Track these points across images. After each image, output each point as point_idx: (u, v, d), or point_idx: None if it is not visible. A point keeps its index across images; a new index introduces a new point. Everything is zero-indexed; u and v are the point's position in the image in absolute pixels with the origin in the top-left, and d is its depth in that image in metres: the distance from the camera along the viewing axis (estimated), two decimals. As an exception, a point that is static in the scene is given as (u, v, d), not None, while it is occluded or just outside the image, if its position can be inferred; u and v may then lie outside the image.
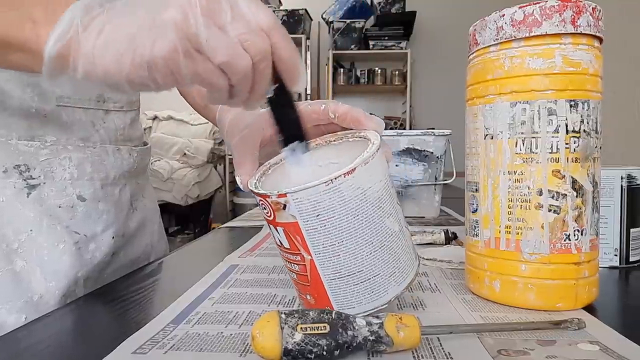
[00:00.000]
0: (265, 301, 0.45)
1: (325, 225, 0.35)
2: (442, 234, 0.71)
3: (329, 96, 3.76)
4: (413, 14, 3.72)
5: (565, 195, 0.40)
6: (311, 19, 3.88)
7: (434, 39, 3.94)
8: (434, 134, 0.96)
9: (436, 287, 0.48)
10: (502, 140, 0.41)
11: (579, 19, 0.39)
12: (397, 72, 3.87)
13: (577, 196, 0.40)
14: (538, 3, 0.39)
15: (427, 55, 3.92)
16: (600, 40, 0.41)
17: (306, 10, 3.71)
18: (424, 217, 0.99)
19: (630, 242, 0.56)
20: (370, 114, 0.43)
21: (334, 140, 0.44)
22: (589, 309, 0.41)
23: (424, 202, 0.99)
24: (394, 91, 3.98)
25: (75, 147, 0.58)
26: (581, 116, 0.40)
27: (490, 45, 0.42)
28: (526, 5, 0.39)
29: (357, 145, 0.41)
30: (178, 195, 3.22)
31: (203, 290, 0.48)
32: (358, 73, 3.92)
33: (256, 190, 0.38)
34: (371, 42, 3.73)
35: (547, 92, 0.39)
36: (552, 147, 0.40)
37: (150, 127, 3.38)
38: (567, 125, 0.39)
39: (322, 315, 0.31)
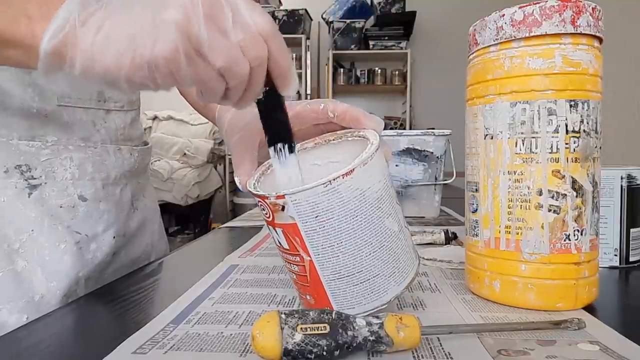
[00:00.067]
0: (265, 301, 0.45)
1: (324, 227, 0.35)
2: (442, 234, 0.71)
3: (329, 96, 3.76)
4: (413, 14, 3.72)
5: (565, 195, 0.40)
6: (311, 19, 3.88)
7: (434, 39, 3.94)
8: (434, 134, 0.96)
9: (436, 287, 0.48)
10: (502, 140, 0.41)
11: (578, 19, 0.39)
12: (397, 72, 3.87)
13: (577, 196, 0.40)
14: (538, 3, 0.39)
15: (427, 55, 3.92)
16: (600, 40, 0.41)
17: (306, 10, 3.71)
18: (424, 217, 0.99)
19: (630, 242, 0.56)
20: (370, 113, 0.43)
21: (333, 140, 0.44)
22: (589, 309, 0.41)
23: (424, 202, 0.99)
24: (394, 91, 3.98)
25: (76, 147, 0.58)
26: (581, 116, 0.40)
27: (490, 45, 0.42)
28: (526, 5, 0.39)
29: (357, 144, 0.41)
30: (178, 195, 3.22)
31: (203, 290, 0.48)
32: (358, 73, 3.92)
33: (254, 191, 0.38)
34: (371, 42, 3.73)
35: (547, 92, 0.39)
36: (552, 147, 0.40)
37: (150, 127, 3.38)
38: (567, 125, 0.39)
39: (322, 315, 0.31)
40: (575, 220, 0.40)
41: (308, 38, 3.84)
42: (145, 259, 0.70)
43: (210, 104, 0.62)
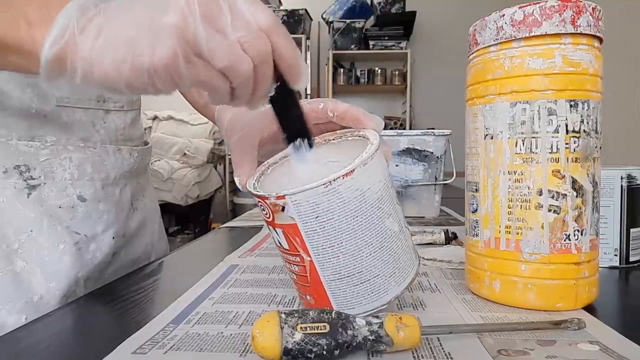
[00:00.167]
0: (265, 301, 0.44)
1: (324, 227, 0.35)
2: (442, 234, 0.71)
3: (329, 96, 3.76)
4: (413, 14, 3.72)
5: (565, 195, 0.40)
6: (311, 19, 3.88)
7: (434, 39, 3.94)
8: (434, 134, 0.96)
9: (436, 287, 0.48)
10: (502, 140, 0.41)
11: (579, 19, 0.39)
12: (397, 72, 3.87)
13: (577, 196, 0.40)
14: (538, 3, 0.39)
15: (427, 55, 3.92)
16: (600, 40, 0.41)
17: (306, 10, 3.71)
18: (424, 217, 0.99)
19: (630, 242, 0.56)
20: (370, 113, 0.43)
21: (333, 139, 0.44)
22: (589, 309, 0.41)
23: (424, 202, 0.99)
24: (394, 91, 3.98)
25: (76, 147, 0.58)
26: (581, 116, 0.40)
27: (490, 45, 0.42)
28: (526, 5, 0.39)
29: (357, 144, 0.40)
30: (178, 195, 3.22)
31: (203, 290, 0.48)
32: (358, 73, 3.92)
33: (254, 192, 0.38)
34: (371, 42, 3.73)
35: (547, 92, 0.39)
36: (552, 147, 0.40)
37: (150, 127, 3.38)
38: (567, 125, 0.39)
39: (322, 315, 0.31)
40: (575, 220, 0.40)
41: (308, 38, 3.84)
42: (146, 259, 0.70)
43: (209, 104, 0.62)
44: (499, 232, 0.42)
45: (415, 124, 3.88)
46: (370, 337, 0.31)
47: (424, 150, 0.97)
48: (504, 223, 0.41)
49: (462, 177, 0.49)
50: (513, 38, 0.40)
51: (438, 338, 0.35)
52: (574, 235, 0.40)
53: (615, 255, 0.56)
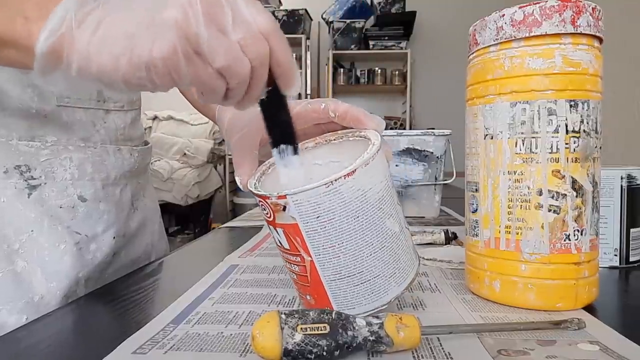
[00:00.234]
0: (265, 301, 0.45)
1: (325, 227, 0.35)
2: (442, 234, 0.71)
3: (329, 96, 3.75)
4: (413, 14, 3.72)
5: (565, 195, 0.40)
6: (311, 19, 3.88)
7: (434, 39, 3.94)
8: (434, 134, 0.96)
9: (436, 287, 0.48)
10: (502, 140, 0.41)
11: (578, 19, 0.39)
12: (397, 72, 3.87)
13: (577, 196, 0.40)
14: (538, 3, 0.39)
15: (427, 55, 3.92)
16: (600, 40, 0.41)
17: (306, 10, 3.71)
18: (424, 217, 0.99)
19: (630, 242, 0.56)
20: (371, 113, 0.43)
21: (334, 139, 0.44)
22: (589, 309, 0.41)
23: (424, 202, 0.99)
24: (394, 91, 3.98)
25: (76, 147, 0.58)
26: (581, 116, 0.40)
27: (490, 45, 0.42)
28: (526, 5, 0.39)
29: (358, 144, 0.40)
30: (178, 195, 3.22)
31: (203, 290, 0.48)
32: (358, 73, 3.92)
33: (255, 191, 0.38)
34: (371, 42, 3.73)
35: (547, 92, 0.39)
36: (552, 147, 0.40)
37: (150, 127, 3.38)
38: (567, 125, 0.39)
39: (322, 315, 0.31)
40: (575, 220, 0.40)
41: (308, 38, 3.84)
42: (146, 259, 0.70)
43: (203, 103, 0.62)
44: (499, 232, 0.42)
45: (415, 124, 3.88)
46: (371, 338, 0.31)
47: (424, 150, 0.97)
48: (504, 223, 0.41)
49: (462, 177, 0.49)
50: (513, 38, 0.40)
51: (438, 338, 0.35)
52: (574, 235, 0.40)
53: (615, 255, 0.56)
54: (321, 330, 0.30)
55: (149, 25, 0.30)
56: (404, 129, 3.73)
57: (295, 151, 0.38)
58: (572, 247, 0.40)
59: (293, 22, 3.66)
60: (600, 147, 0.42)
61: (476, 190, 0.44)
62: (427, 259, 0.58)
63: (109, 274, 0.62)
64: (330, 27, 3.80)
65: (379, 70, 3.86)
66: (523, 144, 0.40)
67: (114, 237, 0.62)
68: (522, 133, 0.40)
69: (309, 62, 3.92)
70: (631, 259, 0.56)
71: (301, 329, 0.30)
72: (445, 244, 0.70)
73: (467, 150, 0.46)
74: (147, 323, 0.39)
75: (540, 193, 0.40)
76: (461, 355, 0.32)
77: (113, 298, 0.48)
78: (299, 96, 3.27)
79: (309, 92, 3.92)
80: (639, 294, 0.50)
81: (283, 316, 0.31)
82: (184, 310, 0.42)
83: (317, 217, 0.35)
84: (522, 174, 0.40)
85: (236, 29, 0.31)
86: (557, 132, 0.39)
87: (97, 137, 0.60)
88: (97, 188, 0.60)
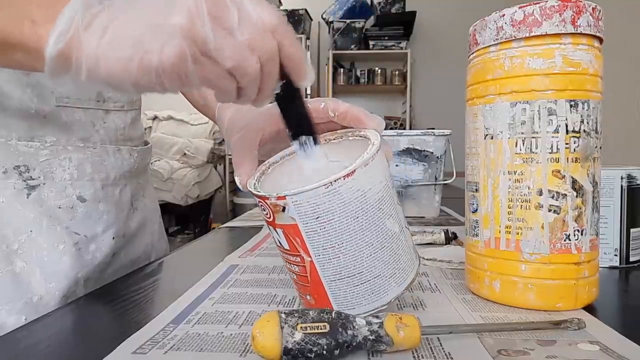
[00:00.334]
0: (265, 301, 0.44)
1: (325, 228, 0.35)
2: (442, 234, 0.71)
3: (329, 96, 3.75)
4: (413, 14, 3.72)
5: (565, 195, 0.40)
6: (311, 19, 3.88)
7: (434, 39, 3.95)
8: (434, 134, 0.96)
9: (436, 287, 0.48)
10: (502, 140, 0.41)
11: (579, 19, 0.39)
12: (397, 72, 3.87)
13: (577, 196, 0.40)
14: (538, 3, 0.39)
15: (427, 55, 3.92)
16: (600, 40, 0.41)
17: (306, 10, 3.71)
18: (424, 217, 0.99)
19: (630, 242, 0.56)
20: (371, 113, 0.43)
21: (334, 139, 0.44)
22: (589, 309, 0.41)
23: (424, 202, 0.99)
24: (394, 91, 3.98)
25: (75, 147, 0.58)
26: (581, 116, 0.40)
27: (490, 45, 0.42)
28: (526, 5, 0.39)
29: (357, 144, 0.40)
30: (178, 195, 3.22)
31: (203, 290, 0.48)
32: (358, 73, 3.92)
33: (255, 192, 0.38)
34: (371, 42, 3.73)
35: (547, 92, 0.39)
36: (552, 147, 0.40)
37: (150, 127, 3.38)
38: (567, 125, 0.39)
39: (322, 314, 0.31)
40: (575, 220, 0.40)
41: (308, 38, 3.84)
42: (146, 259, 0.70)
43: (209, 102, 0.62)
44: (499, 232, 0.42)
45: (415, 124, 3.88)
46: (371, 337, 0.31)
47: (424, 150, 0.97)
48: (504, 223, 0.41)
49: (462, 177, 0.49)
50: (513, 38, 0.40)
51: (438, 338, 0.35)
52: (574, 235, 0.40)
53: (615, 255, 0.56)
54: (321, 329, 0.30)
55: (156, 30, 0.30)
56: (404, 129, 3.73)
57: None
58: (572, 247, 0.40)
59: (293, 22, 3.65)
60: (600, 147, 0.42)
61: (476, 190, 0.44)
62: (427, 259, 0.58)
63: (109, 274, 0.62)
64: (330, 27, 3.80)
65: (379, 70, 3.86)
66: (523, 144, 0.40)
67: (113, 238, 0.62)
68: (522, 133, 0.40)
69: (309, 61, 3.92)
70: (631, 259, 0.56)
71: (301, 328, 0.30)
72: (445, 244, 0.70)
73: (467, 150, 0.46)
74: (147, 323, 0.39)
75: (540, 193, 0.40)
76: (461, 355, 0.32)
77: (113, 298, 0.48)
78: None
79: (309, 92, 3.92)
80: (639, 294, 0.50)
81: (283, 316, 0.31)
82: (184, 310, 0.42)
83: (317, 217, 0.35)
84: (522, 174, 0.40)
85: (242, 28, 0.31)
86: (557, 132, 0.39)
87: (96, 137, 0.60)
88: (97, 188, 0.60)
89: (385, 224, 0.37)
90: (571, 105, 0.39)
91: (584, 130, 0.40)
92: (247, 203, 3.40)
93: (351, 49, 3.77)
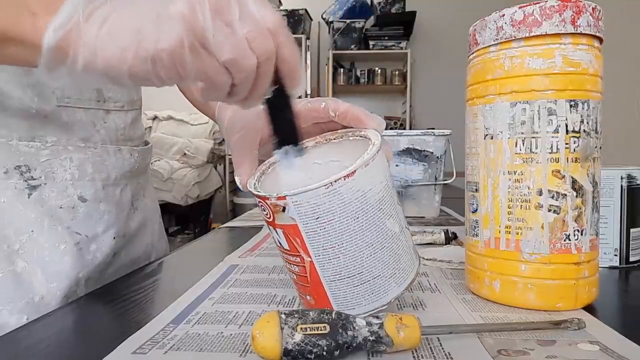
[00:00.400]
0: (265, 301, 0.45)
1: (325, 228, 0.35)
2: (442, 234, 0.71)
3: (329, 96, 3.75)
4: (413, 14, 3.72)
5: (565, 195, 0.40)
6: (311, 19, 3.88)
7: (434, 39, 3.95)
8: (434, 134, 0.96)
9: (436, 287, 0.48)
10: (502, 140, 0.41)
11: (579, 19, 0.39)
12: (397, 72, 3.87)
13: (577, 196, 0.40)
14: (538, 3, 0.39)
15: (427, 55, 3.92)
16: (600, 40, 0.41)
17: (306, 10, 3.71)
18: (424, 217, 0.99)
19: (630, 242, 0.56)
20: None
21: (334, 139, 0.44)
22: (589, 309, 0.41)
23: (424, 202, 0.99)
24: (394, 91, 3.98)
25: (76, 147, 0.58)
26: (581, 116, 0.40)
27: (490, 45, 0.42)
28: (526, 5, 0.39)
29: (358, 144, 0.40)
30: (178, 195, 3.22)
31: (203, 290, 0.48)
32: (358, 73, 3.92)
33: (255, 192, 0.38)
34: (371, 42, 3.73)
35: (547, 92, 0.39)
36: (552, 147, 0.40)
37: (150, 127, 3.38)
38: (567, 125, 0.39)
39: (322, 315, 0.31)
40: (575, 220, 0.40)
41: (308, 38, 3.84)
42: (146, 258, 0.70)
43: (205, 101, 0.62)
44: (499, 232, 0.42)
45: (415, 124, 3.88)
46: (371, 338, 0.31)
47: (424, 150, 0.97)
48: (504, 223, 0.41)
49: (462, 177, 0.49)
50: (513, 38, 0.40)
51: (438, 338, 0.35)
52: (574, 235, 0.40)
53: (615, 255, 0.56)
54: (321, 330, 0.30)
55: (156, 19, 0.30)
56: (404, 129, 3.73)
57: (300, 153, 0.38)
58: (572, 247, 0.40)
59: (293, 22, 3.66)
60: (600, 147, 0.42)
61: (476, 190, 0.44)
62: (427, 259, 0.58)
63: (109, 274, 0.62)
64: (330, 27, 3.80)
65: (379, 70, 3.86)
66: (523, 144, 0.40)
67: (114, 237, 0.62)
68: (522, 133, 0.40)
69: (309, 62, 3.92)
70: (631, 259, 0.56)
71: (301, 328, 0.30)
72: (445, 244, 0.70)
73: (467, 150, 0.46)
74: (147, 323, 0.39)
75: (540, 193, 0.40)
76: (461, 355, 0.32)
77: (113, 298, 0.48)
78: (299, 96, 3.27)
79: (309, 92, 3.92)
80: (639, 294, 0.50)
81: (283, 316, 0.31)
82: (184, 310, 0.42)
83: (317, 218, 0.35)
84: (522, 174, 0.40)
85: (243, 24, 0.31)
86: (557, 132, 0.39)
87: (97, 137, 0.60)
88: (98, 188, 0.60)
89: (386, 224, 0.37)
90: (571, 105, 0.39)
91: (584, 130, 0.40)
92: (247, 203, 3.40)
93: (351, 49, 3.77)
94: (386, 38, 3.71)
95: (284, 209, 0.35)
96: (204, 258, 0.70)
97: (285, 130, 0.39)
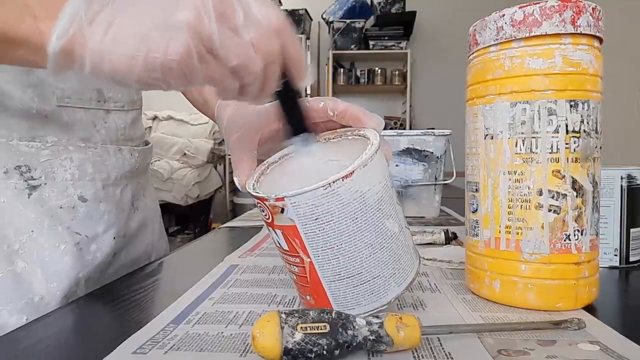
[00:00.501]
0: (265, 301, 0.45)
1: (324, 229, 0.35)
2: (442, 234, 0.71)
3: (329, 96, 3.75)
4: (413, 14, 3.72)
5: (565, 195, 0.40)
6: (311, 19, 3.88)
7: (434, 39, 3.95)
8: (434, 134, 0.96)
9: (436, 287, 0.48)
10: (502, 140, 0.41)
11: (579, 19, 0.39)
12: (397, 72, 3.87)
13: (577, 196, 0.40)
14: (538, 3, 0.39)
15: (427, 55, 3.92)
16: (600, 40, 0.41)
17: (306, 10, 3.71)
18: (424, 217, 0.99)
19: (630, 242, 0.56)
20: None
21: (333, 138, 0.44)
22: (589, 309, 0.41)
23: (424, 202, 0.99)
24: (394, 91, 3.98)
25: (76, 147, 0.58)
26: (581, 116, 0.40)
27: (490, 45, 0.42)
28: (526, 5, 0.39)
29: (357, 143, 0.40)
30: (178, 195, 3.22)
31: (203, 290, 0.48)
32: (358, 73, 3.92)
33: (254, 193, 0.38)
34: (371, 42, 3.73)
35: (547, 92, 0.39)
36: (552, 147, 0.40)
37: (150, 127, 3.38)
38: (567, 125, 0.39)
39: (322, 314, 0.31)
40: (575, 220, 0.40)
41: (308, 38, 3.84)
42: (146, 258, 0.70)
43: (209, 101, 0.62)
44: (499, 232, 0.42)
45: (415, 124, 3.88)
46: (371, 337, 0.31)
47: (424, 150, 0.97)
48: (504, 223, 0.41)
49: (462, 177, 0.49)
50: (513, 38, 0.40)
51: (438, 338, 0.35)
52: (574, 235, 0.40)
53: (615, 255, 0.56)
54: (321, 329, 0.30)
55: (162, 26, 0.31)
56: (404, 129, 3.73)
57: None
58: (572, 247, 0.40)
59: (293, 22, 3.65)
60: (600, 147, 0.42)
61: (476, 190, 0.44)
62: (427, 259, 0.58)
63: (109, 274, 0.62)
64: (330, 27, 3.80)
65: (379, 70, 3.87)
66: (523, 144, 0.40)
67: (114, 238, 0.62)
68: (522, 133, 0.40)
69: (309, 62, 3.92)
70: (631, 259, 0.56)
71: (301, 328, 0.30)
72: (445, 244, 0.70)
73: (467, 150, 0.46)
74: (147, 323, 0.39)
75: (540, 193, 0.40)
76: (461, 355, 0.32)
77: (113, 298, 0.48)
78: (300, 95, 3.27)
79: (308, 92, 3.92)
80: (639, 294, 0.50)
81: (283, 316, 0.31)
82: (184, 310, 0.42)
83: (316, 219, 0.35)
84: (522, 174, 0.40)
85: (248, 28, 0.32)
86: (557, 132, 0.39)
87: (97, 137, 0.60)
88: (98, 188, 0.60)
89: (385, 225, 0.37)
90: (571, 105, 0.39)
91: (584, 130, 0.40)
92: (247, 203, 3.40)
93: (351, 49, 3.77)
94: (386, 38, 3.71)
95: (282, 210, 0.35)
96: (204, 258, 0.70)
97: (298, 119, 0.40)
